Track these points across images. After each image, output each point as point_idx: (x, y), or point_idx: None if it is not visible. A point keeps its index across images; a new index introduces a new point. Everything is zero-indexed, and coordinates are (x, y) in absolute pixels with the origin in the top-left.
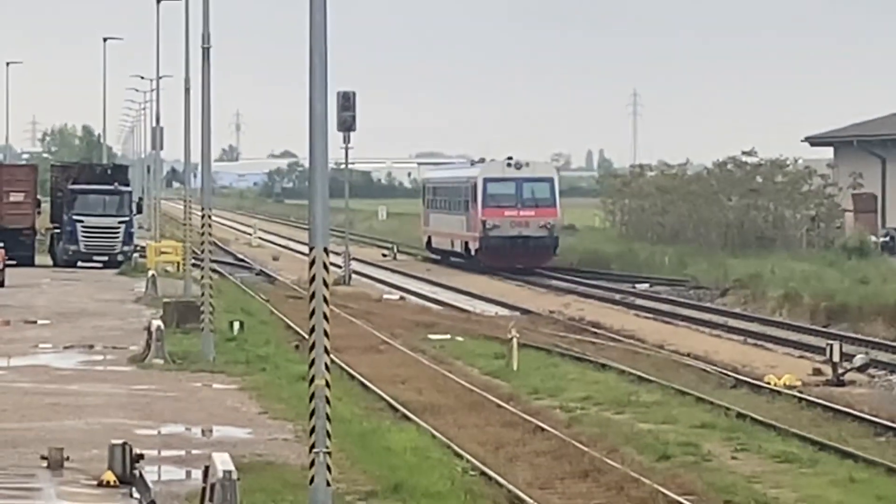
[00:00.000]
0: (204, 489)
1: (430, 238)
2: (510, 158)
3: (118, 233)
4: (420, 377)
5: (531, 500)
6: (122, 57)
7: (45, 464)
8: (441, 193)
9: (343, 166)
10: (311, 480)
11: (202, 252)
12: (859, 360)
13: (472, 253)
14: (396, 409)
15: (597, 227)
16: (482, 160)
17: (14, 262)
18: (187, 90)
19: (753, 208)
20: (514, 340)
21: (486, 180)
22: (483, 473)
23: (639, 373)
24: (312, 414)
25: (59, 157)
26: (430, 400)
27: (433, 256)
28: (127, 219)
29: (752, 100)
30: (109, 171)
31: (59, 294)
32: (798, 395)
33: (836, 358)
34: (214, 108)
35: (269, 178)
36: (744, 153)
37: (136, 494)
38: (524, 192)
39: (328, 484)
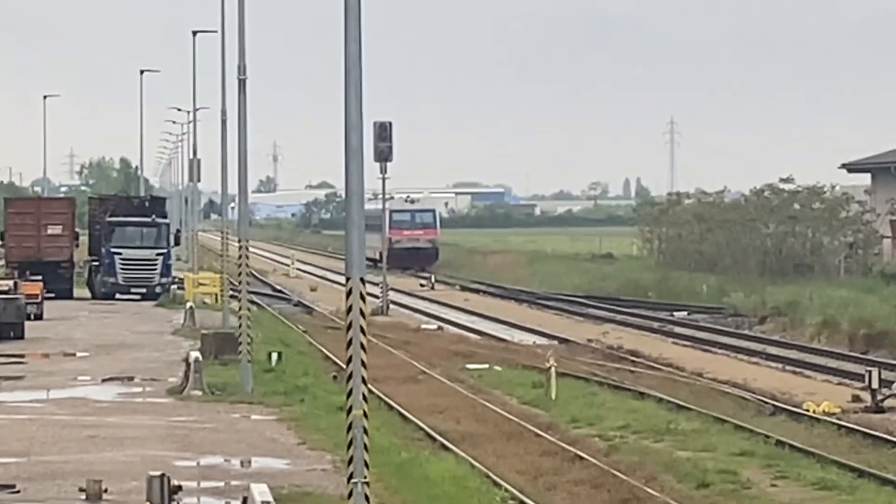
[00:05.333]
0: None
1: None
2: (408, 196)
3: (156, 265)
4: (458, 407)
5: None
6: (159, 89)
7: (83, 496)
8: (369, 220)
9: (380, 197)
10: None
11: (240, 283)
12: None
13: (385, 259)
14: (435, 439)
15: (634, 256)
16: (391, 198)
17: (52, 295)
18: (224, 122)
19: (791, 235)
20: (553, 369)
21: (391, 211)
22: (522, 503)
23: (677, 401)
24: (350, 444)
25: (96, 189)
26: (468, 429)
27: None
28: (165, 251)
29: (790, 127)
30: (147, 204)
31: (97, 326)
32: (837, 422)
33: (874, 384)
34: (251, 139)
35: (307, 209)
36: (781, 180)
37: None
38: (416, 219)
39: None
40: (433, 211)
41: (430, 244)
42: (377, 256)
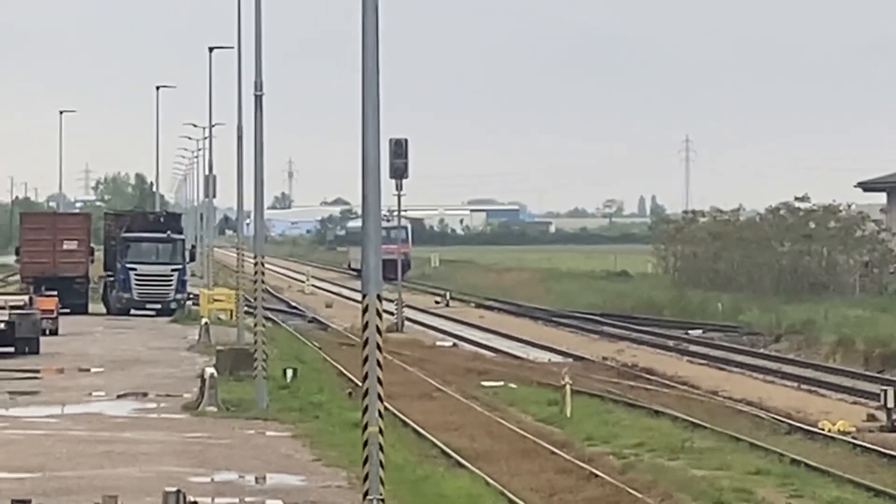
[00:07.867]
0: None
1: (350, 263)
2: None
3: (171, 281)
4: (473, 424)
5: None
6: (174, 105)
7: None
8: (353, 235)
9: (396, 213)
10: None
11: (255, 299)
12: None
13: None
14: (450, 456)
15: (649, 274)
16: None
17: (68, 311)
18: (240, 138)
19: (806, 254)
20: (568, 387)
21: None
22: None
23: (692, 419)
24: (366, 461)
25: (112, 205)
26: (483, 447)
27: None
28: (180, 267)
29: (805, 145)
30: (162, 219)
31: (112, 342)
32: (852, 441)
33: (890, 404)
34: (267, 155)
35: (322, 226)
36: (797, 199)
37: None
38: (391, 234)
39: None
40: (406, 227)
41: (403, 257)
42: (360, 267)
